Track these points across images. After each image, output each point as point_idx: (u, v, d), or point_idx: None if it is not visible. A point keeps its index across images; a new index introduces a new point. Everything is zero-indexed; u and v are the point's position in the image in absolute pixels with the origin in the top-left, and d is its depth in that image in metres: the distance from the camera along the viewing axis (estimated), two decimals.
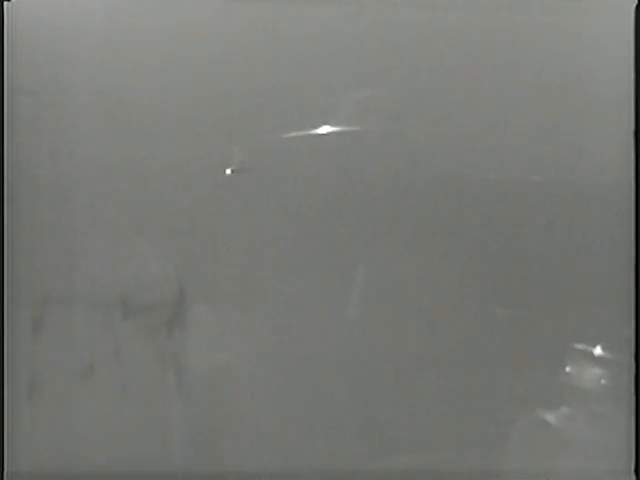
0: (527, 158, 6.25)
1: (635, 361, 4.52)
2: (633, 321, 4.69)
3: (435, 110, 6.45)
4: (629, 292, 4.84)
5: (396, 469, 4.61)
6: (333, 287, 5.17)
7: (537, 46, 8.01)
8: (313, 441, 5.03)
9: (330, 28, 7.91)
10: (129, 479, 4.74)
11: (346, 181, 5.42)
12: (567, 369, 4.82)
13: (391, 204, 5.31)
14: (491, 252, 5.06)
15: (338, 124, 6.05)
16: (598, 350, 4.64)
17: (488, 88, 7.90)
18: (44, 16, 7.26)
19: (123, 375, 7.27)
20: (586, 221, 5.32)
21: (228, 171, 6.36)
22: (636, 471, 4.11)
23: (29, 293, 6.53)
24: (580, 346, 4.76)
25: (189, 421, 6.33)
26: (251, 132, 6.48)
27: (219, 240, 7.01)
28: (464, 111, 7.37)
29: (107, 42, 9.65)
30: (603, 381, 4.64)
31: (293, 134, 6.06)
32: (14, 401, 5.12)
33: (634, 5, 4.81)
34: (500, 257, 4.98)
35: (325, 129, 5.84)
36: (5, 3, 4.88)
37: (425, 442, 4.98)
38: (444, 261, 5.01)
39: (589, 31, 7.20)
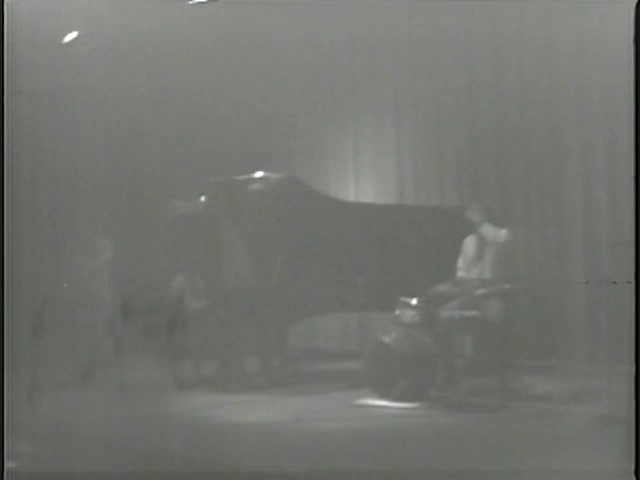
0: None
1: (635, 362, 4.78)
2: (633, 324, 4.91)
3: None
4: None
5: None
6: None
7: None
8: None
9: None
10: (129, 479, 4.81)
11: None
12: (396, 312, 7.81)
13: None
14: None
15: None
16: (414, 301, 7.65)
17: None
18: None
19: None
20: None
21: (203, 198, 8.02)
22: (636, 472, 4.38)
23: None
24: (404, 299, 7.69)
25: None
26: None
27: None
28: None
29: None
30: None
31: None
32: (14, 401, 5.16)
33: (634, 4, 4.90)
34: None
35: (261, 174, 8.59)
36: (5, 2, 4.87)
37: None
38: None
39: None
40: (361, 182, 11.14)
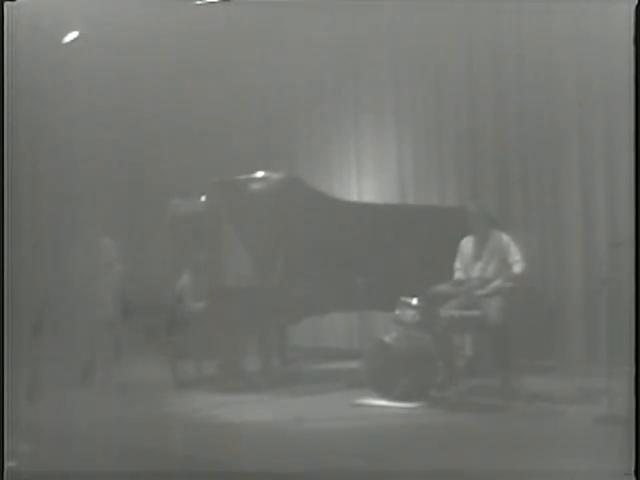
0: None
1: (635, 361, 5.34)
2: (633, 324, 5.44)
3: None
4: None
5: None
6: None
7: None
8: None
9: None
10: (129, 479, 4.82)
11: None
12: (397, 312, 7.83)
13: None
14: None
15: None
16: (414, 301, 7.69)
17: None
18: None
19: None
20: None
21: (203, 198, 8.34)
22: (636, 472, 4.37)
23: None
24: (404, 299, 7.73)
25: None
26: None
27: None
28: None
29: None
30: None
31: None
32: (14, 401, 5.17)
33: (634, 4, 4.91)
34: None
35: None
36: (6, 4, 4.89)
37: None
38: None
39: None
40: (362, 182, 11.18)
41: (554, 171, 9.19)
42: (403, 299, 7.96)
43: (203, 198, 8.82)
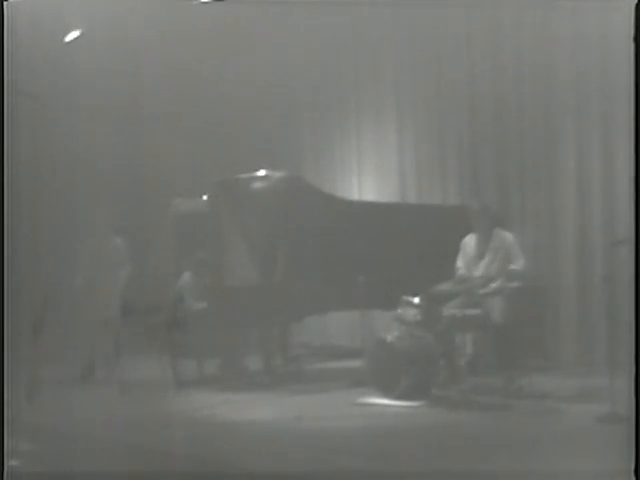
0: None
1: (635, 361, 5.30)
2: (633, 323, 5.40)
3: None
4: None
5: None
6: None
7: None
8: None
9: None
10: (129, 479, 4.81)
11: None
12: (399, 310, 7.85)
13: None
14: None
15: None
16: (416, 299, 7.70)
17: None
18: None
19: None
20: None
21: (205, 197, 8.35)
22: (636, 472, 4.37)
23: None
24: (406, 298, 7.74)
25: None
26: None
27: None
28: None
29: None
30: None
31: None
32: (14, 401, 5.15)
33: (634, 3, 4.90)
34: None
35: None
36: (5, 2, 4.87)
37: None
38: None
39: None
40: (363, 181, 11.21)
41: (554, 169, 9.19)
42: (405, 298, 7.99)
43: (205, 197, 8.82)
